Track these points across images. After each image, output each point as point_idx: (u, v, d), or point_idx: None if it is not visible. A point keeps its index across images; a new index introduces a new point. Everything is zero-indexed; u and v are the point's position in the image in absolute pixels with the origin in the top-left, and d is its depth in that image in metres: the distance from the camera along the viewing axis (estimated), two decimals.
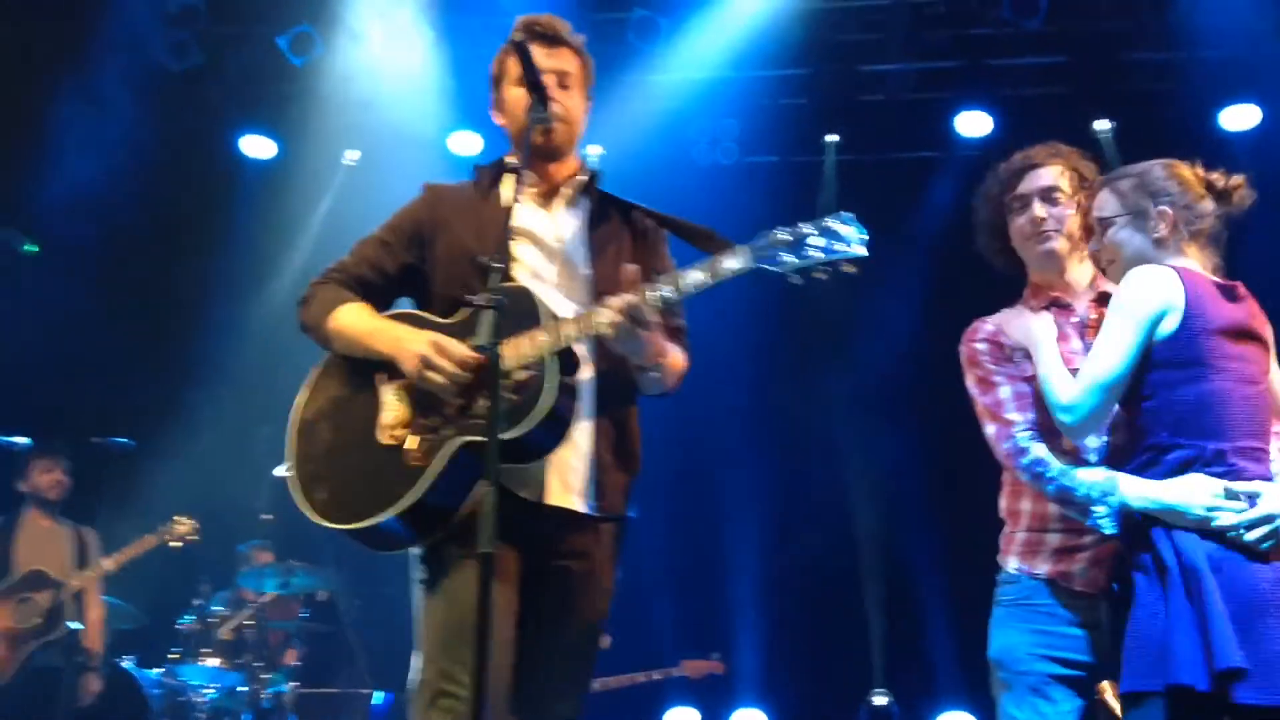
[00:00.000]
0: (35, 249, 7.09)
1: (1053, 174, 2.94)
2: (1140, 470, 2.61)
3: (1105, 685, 3.37)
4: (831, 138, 7.10)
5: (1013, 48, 6.73)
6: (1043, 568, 2.82)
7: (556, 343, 2.48)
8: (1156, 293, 2.60)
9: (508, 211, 2.42)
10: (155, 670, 5.94)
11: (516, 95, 2.75)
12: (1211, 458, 2.56)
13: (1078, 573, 2.78)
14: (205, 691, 5.81)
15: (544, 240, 2.72)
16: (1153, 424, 2.61)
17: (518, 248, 2.66)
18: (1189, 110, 6.55)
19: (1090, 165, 2.99)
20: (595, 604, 2.67)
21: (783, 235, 2.45)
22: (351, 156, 7.22)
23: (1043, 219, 2.92)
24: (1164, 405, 2.60)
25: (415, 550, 2.61)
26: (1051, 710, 2.74)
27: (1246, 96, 6.48)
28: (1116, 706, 4.00)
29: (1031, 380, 2.82)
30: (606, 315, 2.48)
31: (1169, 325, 2.59)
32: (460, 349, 2.49)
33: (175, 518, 5.92)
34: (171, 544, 5.92)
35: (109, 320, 6.86)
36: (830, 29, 6.81)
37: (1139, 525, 2.59)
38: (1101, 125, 6.68)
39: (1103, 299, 2.92)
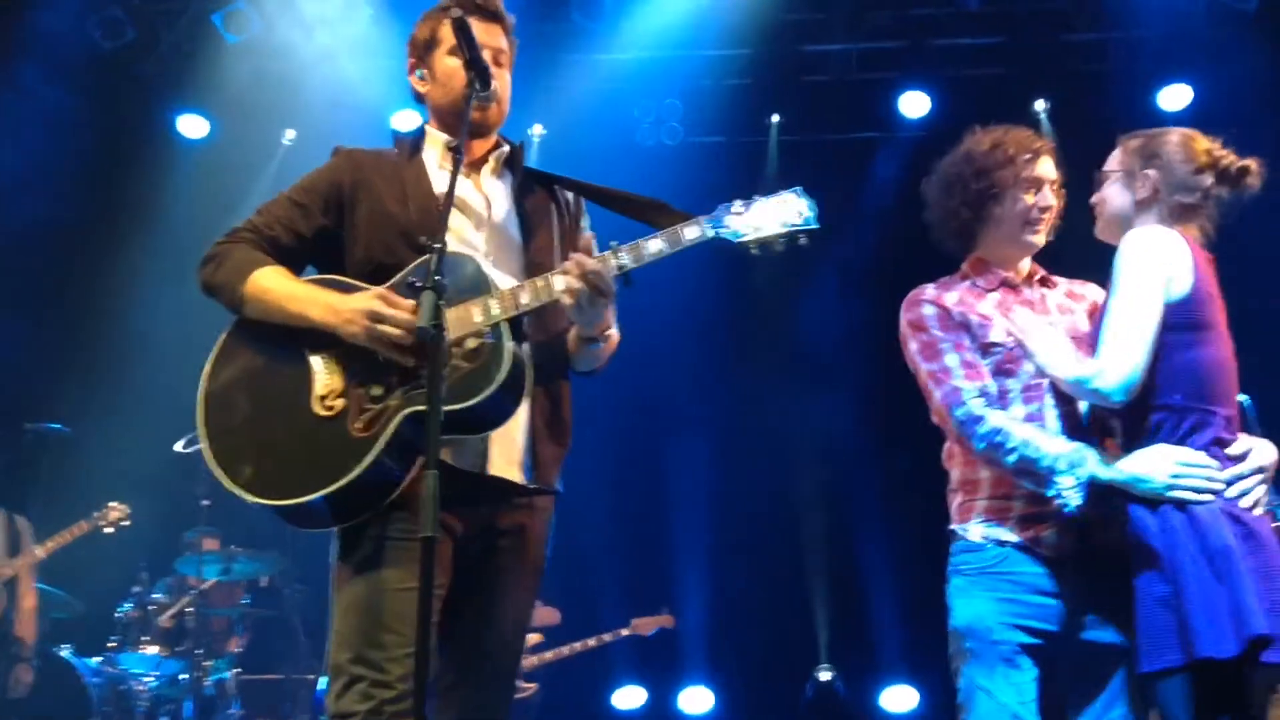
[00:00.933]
0: None
1: (1054, 167, 2.99)
2: (1153, 433, 2.63)
3: None
4: (775, 118, 7.11)
5: (953, 28, 6.78)
6: (1011, 535, 2.81)
7: (511, 309, 2.45)
8: (1167, 254, 2.63)
9: (444, 186, 2.37)
10: (94, 659, 5.84)
11: (451, 67, 2.68)
12: (1221, 423, 2.63)
13: (1046, 538, 2.78)
14: (146, 680, 5.73)
15: (472, 208, 2.67)
16: (1165, 386, 2.62)
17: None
18: (1125, 90, 6.63)
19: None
20: (530, 582, 2.63)
21: (739, 208, 2.52)
22: (290, 136, 7.11)
23: (1048, 208, 2.95)
24: (1178, 368, 2.62)
25: (336, 529, 2.51)
26: (1020, 679, 2.75)
27: (1179, 77, 6.58)
28: None
29: (986, 351, 2.85)
30: (564, 281, 2.46)
31: (1180, 288, 2.62)
32: (406, 304, 2.40)
33: (109, 504, 5.82)
34: (105, 529, 5.82)
35: (42, 305, 6.71)
36: (774, 9, 6.81)
37: (1128, 499, 2.62)
38: (1040, 105, 6.76)
39: (1044, 282, 2.99)
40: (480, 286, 2.48)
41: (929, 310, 2.93)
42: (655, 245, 2.50)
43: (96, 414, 6.41)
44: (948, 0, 6.54)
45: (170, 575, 6.20)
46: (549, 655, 6.15)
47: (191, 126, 7.11)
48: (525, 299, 2.48)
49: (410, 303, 2.40)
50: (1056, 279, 3.05)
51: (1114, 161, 2.87)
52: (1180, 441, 2.61)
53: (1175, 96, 6.60)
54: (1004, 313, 2.89)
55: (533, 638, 6.17)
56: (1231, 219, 2.83)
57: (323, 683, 6.03)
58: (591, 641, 6.24)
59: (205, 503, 5.77)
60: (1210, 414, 2.63)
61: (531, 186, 2.78)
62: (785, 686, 6.92)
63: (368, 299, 2.45)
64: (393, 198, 2.62)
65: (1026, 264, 3.02)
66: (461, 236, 2.62)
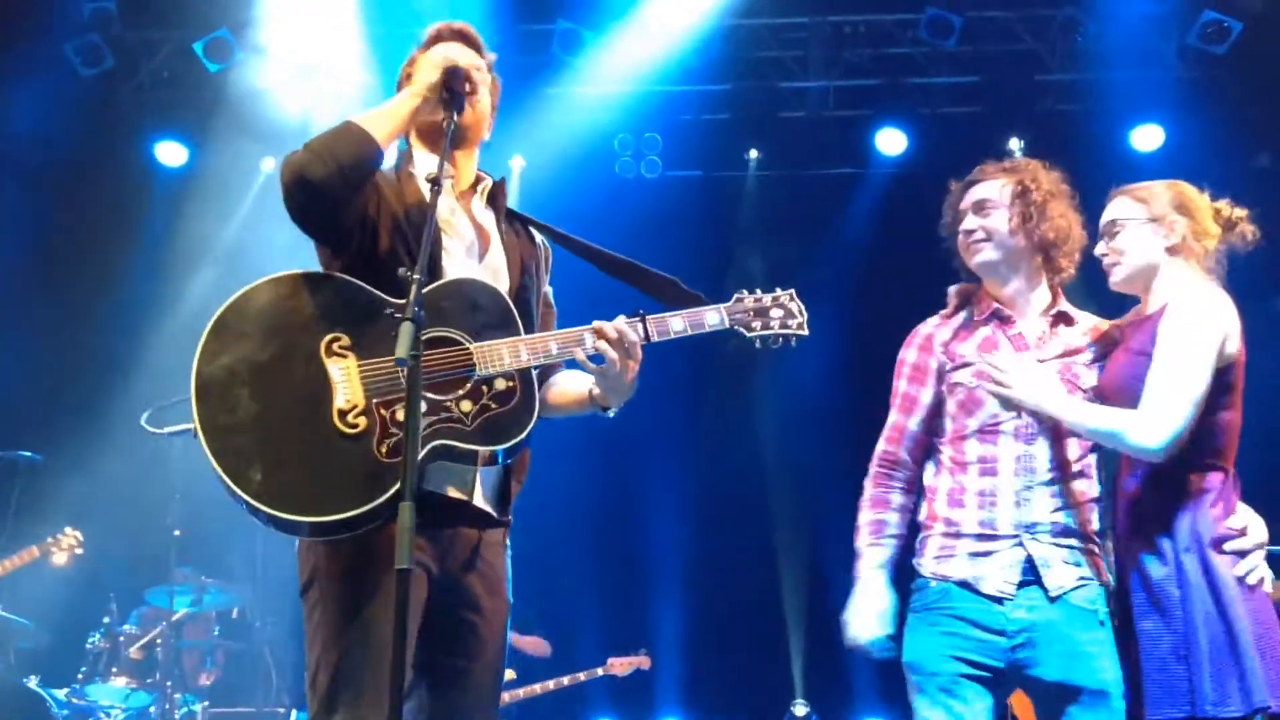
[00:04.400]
0: None
1: (991, 187, 2.97)
2: (1204, 493, 2.65)
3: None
4: (753, 153, 7.17)
5: (929, 67, 6.87)
6: (955, 571, 2.85)
7: (540, 358, 2.46)
8: (1225, 315, 2.66)
9: (429, 210, 2.34)
10: (62, 691, 5.76)
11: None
12: (1235, 483, 2.69)
13: (988, 577, 2.81)
14: (114, 713, 5.65)
15: (466, 237, 2.63)
16: (1210, 446, 2.66)
17: (444, 238, 2.56)
18: (1098, 130, 6.73)
19: (1051, 175, 2.99)
20: (505, 610, 2.58)
21: (750, 303, 2.65)
22: (268, 165, 7.11)
23: (970, 230, 2.95)
24: (1220, 428, 2.66)
25: (316, 555, 2.42)
26: (966, 710, 2.77)
27: (1152, 117, 6.68)
28: None
29: (952, 390, 2.90)
30: (592, 340, 2.48)
31: (1231, 349, 2.66)
32: None
33: (66, 529, 5.71)
34: (56, 556, 5.69)
35: (16, 331, 6.66)
36: (752, 46, 6.90)
37: (1144, 547, 2.66)
38: (1014, 144, 6.85)
39: (1060, 318, 2.95)
40: (507, 324, 2.47)
41: (910, 354, 3.01)
42: (678, 324, 2.57)
43: (69, 442, 6.35)
44: (924, 40, 6.63)
45: (141, 605, 6.13)
46: (521, 692, 6.10)
47: (170, 154, 7.10)
48: (554, 349, 2.47)
49: None
50: (1080, 316, 2.98)
51: (1125, 210, 2.82)
52: (1229, 502, 2.66)
53: (1147, 137, 6.69)
54: (988, 349, 2.90)
55: (507, 674, 6.13)
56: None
57: (294, 717, 5.97)
58: (565, 680, 6.20)
59: (176, 533, 5.72)
60: (1229, 474, 2.69)
61: (513, 224, 2.75)
62: None
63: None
64: (399, 207, 2.56)
65: (1043, 297, 2.96)
66: (460, 262, 2.57)
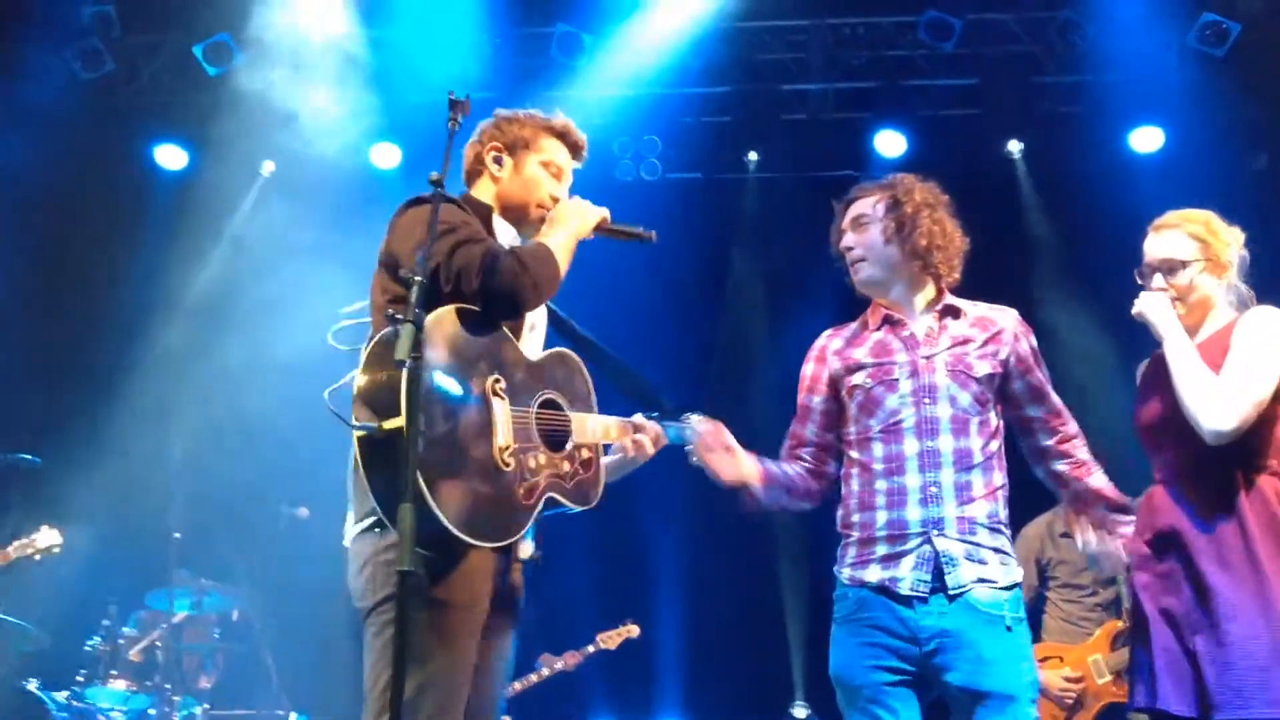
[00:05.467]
0: None
1: (865, 203, 3.13)
2: (1249, 490, 2.81)
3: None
4: (753, 155, 7.17)
5: (928, 69, 6.88)
6: (870, 577, 2.91)
7: (616, 439, 2.83)
8: None
9: (431, 214, 2.48)
10: (61, 693, 5.75)
11: (537, 176, 2.90)
12: None
13: (902, 578, 2.87)
14: (113, 715, 5.64)
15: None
16: (1258, 449, 2.83)
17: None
18: (1097, 132, 6.73)
19: (925, 187, 3.12)
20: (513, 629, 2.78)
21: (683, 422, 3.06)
22: (268, 168, 7.11)
23: (850, 248, 3.11)
24: (1270, 435, 2.84)
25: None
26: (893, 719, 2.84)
27: (1151, 119, 6.69)
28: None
29: (851, 394, 3.05)
30: (631, 441, 2.87)
31: None
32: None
33: (43, 527, 5.61)
34: (33, 557, 5.61)
35: (16, 334, 6.66)
36: (752, 48, 6.90)
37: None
38: (1014, 146, 6.86)
39: (947, 312, 3.06)
40: (587, 400, 2.79)
41: (805, 367, 3.22)
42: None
43: (69, 445, 6.35)
44: (923, 42, 6.64)
45: (140, 609, 6.12)
46: (517, 686, 6.11)
47: (170, 157, 7.10)
48: (614, 433, 2.85)
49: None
50: (966, 307, 3.10)
51: (1189, 249, 2.96)
52: None
53: (1147, 139, 6.70)
54: (880, 353, 3.04)
55: None
56: None
57: (296, 718, 5.97)
58: (558, 664, 6.17)
59: (176, 535, 5.71)
60: None
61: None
62: None
63: None
64: None
65: (928, 295, 3.08)
66: (538, 336, 2.81)
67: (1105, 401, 5.34)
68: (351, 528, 2.60)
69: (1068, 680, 5.00)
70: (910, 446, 2.92)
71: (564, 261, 2.68)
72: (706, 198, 7.19)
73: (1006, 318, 3.07)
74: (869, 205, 3.11)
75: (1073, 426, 3.07)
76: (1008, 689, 2.78)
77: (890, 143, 6.89)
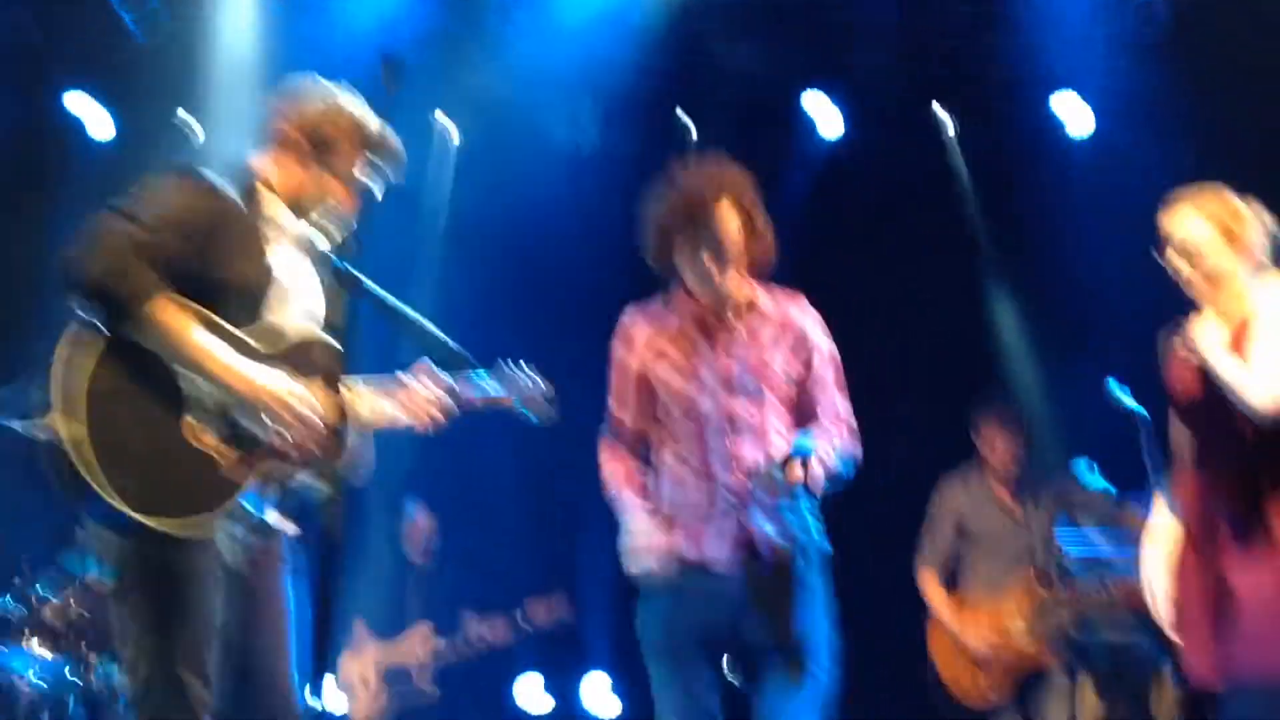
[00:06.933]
0: None
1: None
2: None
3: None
4: (686, 124, 7.14)
5: (862, 39, 6.87)
6: (677, 550, 3.05)
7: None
8: None
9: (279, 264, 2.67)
10: None
11: (332, 184, 2.81)
12: None
13: (708, 553, 3.02)
14: (28, 677, 5.52)
15: (310, 286, 2.82)
16: None
17: (300, 280, 2.76)
18: (1030, 109, 6.79)
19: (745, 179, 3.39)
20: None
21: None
22: (199, 131, 6.97)
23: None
24: None
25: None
26: (697, 681, 3.07)
27: (1082, 97, 6.75)
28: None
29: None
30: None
31: None
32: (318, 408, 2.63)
33: None
34: None
35: None
36: (687, 18, 6.86)
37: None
38: (945, 117, 6.92)
39: (749, 307, 3.21)
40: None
41: (616, 349, 3.27)
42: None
43: None
44: (856, 9, 6.64)
45: (53, 568, 5.99)
46: (452, 658, 6.13)
47: (95, 126, 6.96)
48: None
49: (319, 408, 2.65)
50: (764, 300, 3.26)
51: (1202, 231, 3.02)
52: None
53: (1079, 119, 6.72)
54: (683, 344, 3.17)
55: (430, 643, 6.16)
56: None
57: None
58: (486, 634, 6.18)
59: None
60: None
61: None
62: None
63: (285, 391, 2.60)
64: (253, 247, 2.71)
65: (732, 286, 3.21)
66: (310, 310, 2.81)
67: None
68: None
69: (986, 641, 5.12)
70: (713, 442, 3.11)
71: (174, 341, 2.60)
72: (641, 169, 7.14)
73: (799, 313, 3.33)
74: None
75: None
76: (803, 639, 3.02)
77: (824, 112, 6.90)
